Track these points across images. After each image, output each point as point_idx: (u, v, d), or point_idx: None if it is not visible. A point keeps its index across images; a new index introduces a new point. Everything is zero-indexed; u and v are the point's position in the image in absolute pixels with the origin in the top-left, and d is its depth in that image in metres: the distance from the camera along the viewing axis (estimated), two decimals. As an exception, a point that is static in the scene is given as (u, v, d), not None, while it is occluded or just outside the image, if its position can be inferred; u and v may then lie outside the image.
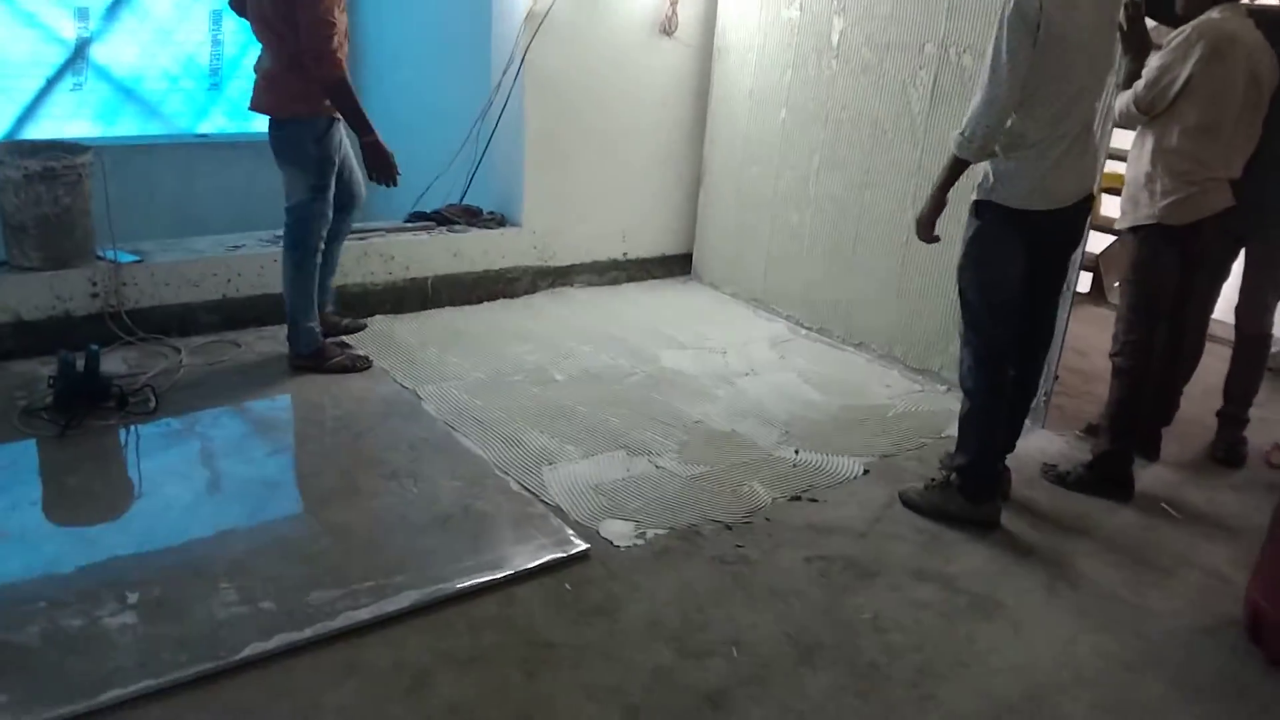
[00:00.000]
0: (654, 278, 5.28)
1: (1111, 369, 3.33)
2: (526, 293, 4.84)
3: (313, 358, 3.73)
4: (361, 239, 4.30)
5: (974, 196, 2.90)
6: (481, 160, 4.72)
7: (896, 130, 4.13)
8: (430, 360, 3.95)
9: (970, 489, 2.99)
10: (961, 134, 2.78)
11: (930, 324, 4.09)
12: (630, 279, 5.19)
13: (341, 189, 3.71)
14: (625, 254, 5.14)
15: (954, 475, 3.04)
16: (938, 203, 2.94)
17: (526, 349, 4.15)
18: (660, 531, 2.83)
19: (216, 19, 6.53)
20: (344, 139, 3.64)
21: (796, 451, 3.40)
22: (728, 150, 4.98)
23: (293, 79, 3.42)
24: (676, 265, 5.34)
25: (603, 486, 3.06)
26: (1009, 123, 2.76)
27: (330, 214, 3.64)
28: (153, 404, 3.34)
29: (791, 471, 3.26)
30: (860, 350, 4.39)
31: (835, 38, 4.33)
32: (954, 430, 3.60)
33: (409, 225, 4.60)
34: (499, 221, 4.77)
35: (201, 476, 2.96)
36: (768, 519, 2.96)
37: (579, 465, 3.19)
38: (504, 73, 4.54)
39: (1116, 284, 5.27)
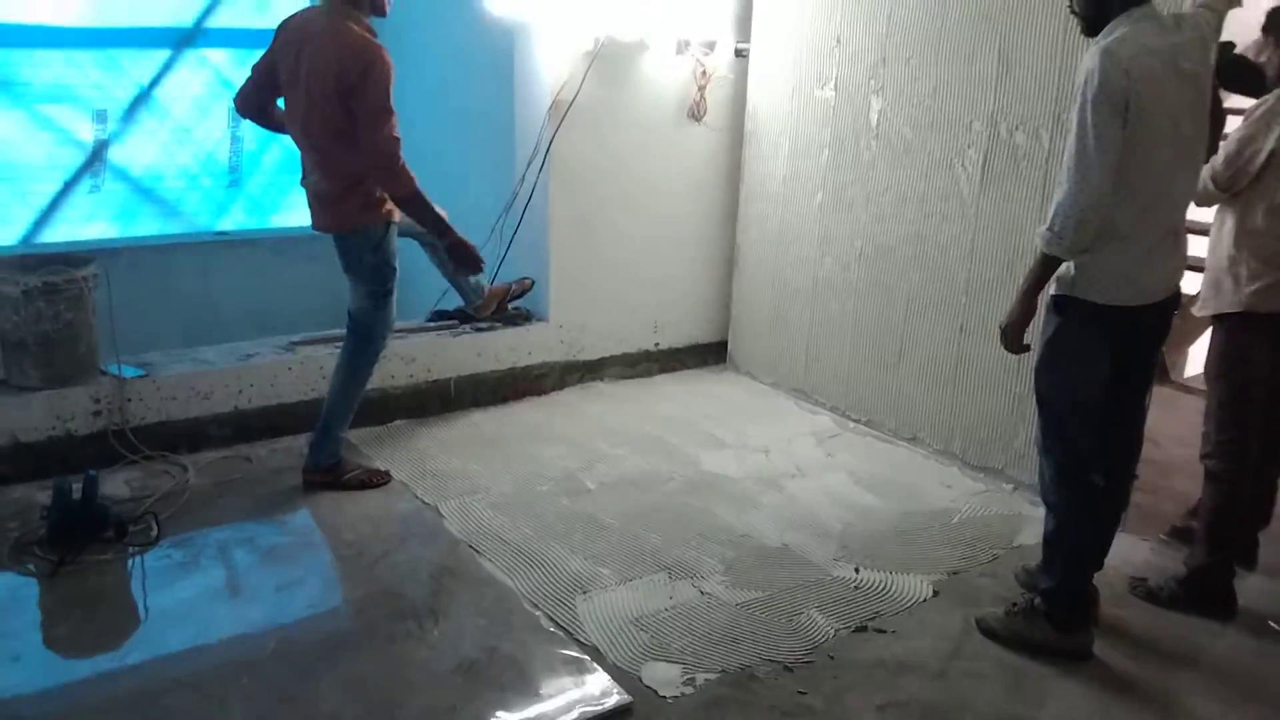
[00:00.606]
0: (687, 368, 5.02)
1: (1204, 473, 2.99)
2: (554, 389, 4.59)
3: (329, 472, 3.48)
4: (380, 341, 4.08)
5: (1052, 291, 2.62)
6: (506, 254, 4.51)
7: (945, 212, 3.87)
8: (452, 470, 3.68)
9: (1059, 616, 2.65)
10: (1049, 229, 2.47)
11: (991, 416, 3.79)
12: (663, 370, 4.93)
13: (419, 233, 3.67)
14: (657, 344, 4.90)
15: (1039, 600, 2.71)
16: (1027, 308, 2.62)
17: (556, 453, 3.88)
18: (711, 676, 2.51)
19: (236, 115, 6.45)
20: None
21: (857, 569, 3.08)
22: (761, 236, 4.75)
23: (350, 197, 3.26)
24: (710, 354, 5.08)
25: (644, 620, 2.75)
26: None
27: (394, 319, 3.50)
28: (155, 532, 3.09)
29: (853, 594, 2.94)
30: (914, 445, 4.08)
31: (874, 118, 4.12)
32: (1027, 538, 3.31)
33: (430, 325, 4.38)
34: (524, 316, 4.54)
35: (202, 620, 2.67)
36: (831, 656, 2.63)
37: (616, 593, 2.89)
38: (529, 164, 4.35)
39: (1193, 344, 4.95)
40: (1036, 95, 3.51)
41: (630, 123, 4.49)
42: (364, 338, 3.46)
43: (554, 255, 4.45)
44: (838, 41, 4.22)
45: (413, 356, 4.13)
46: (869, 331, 4.25)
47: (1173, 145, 2.45)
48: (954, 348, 3.90)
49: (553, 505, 3.44)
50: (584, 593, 2.88)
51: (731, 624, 2.76)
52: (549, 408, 4.40)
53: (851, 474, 3.80)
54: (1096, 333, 2.56)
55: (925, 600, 2.94)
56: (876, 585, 2.99)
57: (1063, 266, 2.58)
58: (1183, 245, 2.62)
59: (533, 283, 4.45)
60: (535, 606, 2.79)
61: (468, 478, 3.63)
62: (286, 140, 3.48)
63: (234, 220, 6.48)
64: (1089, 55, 2.39)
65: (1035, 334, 2.73)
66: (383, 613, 2.73)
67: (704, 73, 4.55)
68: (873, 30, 4.07)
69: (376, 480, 3.52)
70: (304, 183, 3.38)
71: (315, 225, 3.41)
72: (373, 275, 3.37)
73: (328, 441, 3.48)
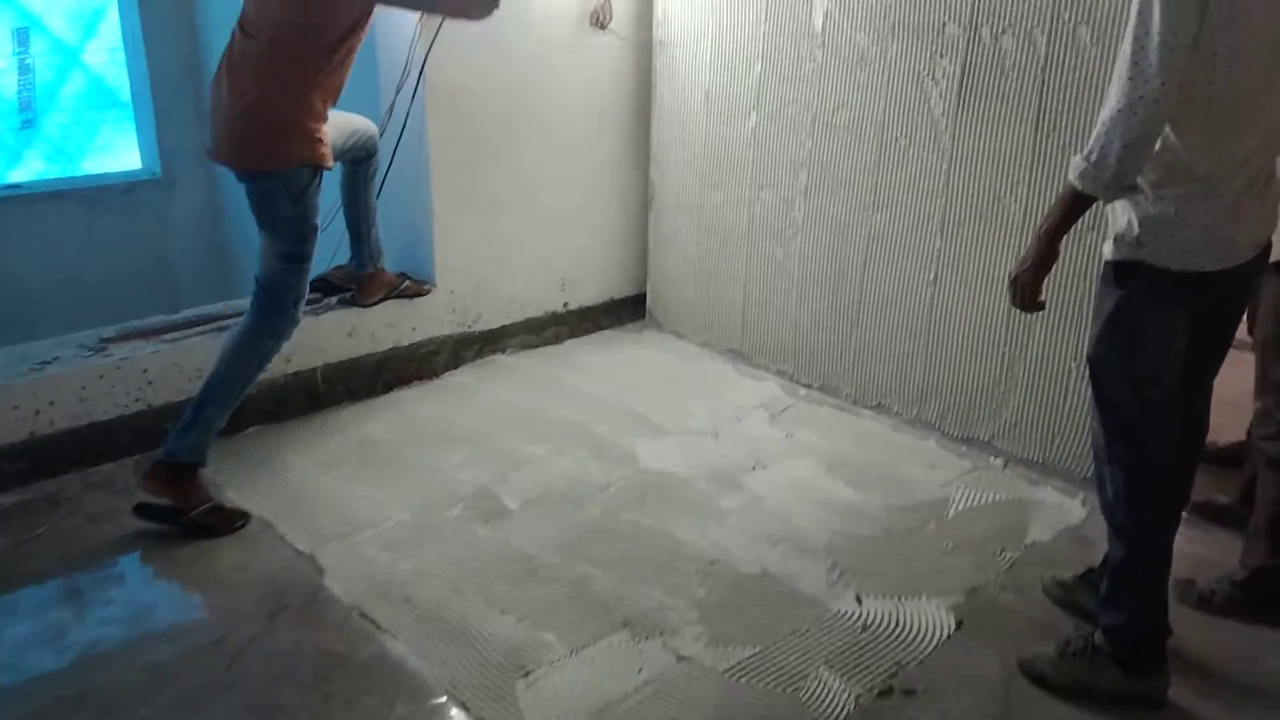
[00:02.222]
0: (602, 329, 4.29)
1: (1262, 458, 2.48)
2: (448, 369, 3.80)
3: (177, 482, 2.68)
4: (223, 330, 3.20)
5: (1110, 256, 2.02)
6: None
7: (913, 137, 3.22)
8: (330, 496, 2.90)
9: (1131, 659, 2.12)
10: (1086, 156, 1.89)
11: (973, 381, 3.23)
12: (574, 334, 4.20)
13: (347, 152, 3.18)
14: (566, 304, 4.15)
15: (1100, 636, 2.17)
16: (1045, 253, 2.04)
17: (460, 459, 3.13)
18: (715, 796, 1.88)
19: (22, 39, 5.23)
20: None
21: (859, 599, 2.48)
22: (682, 169, 4.02)
23: (286, 128, 2.70)
24: (626, 311, 4.37)
25: (611, 711, 2.08)
26: (1159, 143, 1.89)
27: (307, 289, 2.89)
28: (-82, 639, 2.23)
29: (862, 638, 2.34)
30: (880, 414, 3.50)
31: (818, 20, 3.40)
32: (1039, 533, 2.81)
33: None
34: (420, 291, 3.69)
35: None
36: (861, 741, 2.04)
37: (567, 670, 2.21)
38: (397, 92, 3.47)
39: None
40: (1030, -10, 2.87)
41: (521, 33, 3.64)
42: (272, 308, 2.81)
43: (437, 204, 3.62)
44: (771, -71, 3.47)
45: (267, 346, 3.26)
46: (819, 281, 3.61)
47: (1272, 51, 1.85)
48: (926, 300, 3.30)
49: (466, 537, 2.71)
50: (525, 674, 2.19)
51: (725, 704, 2.12)
52: (443, 395, 3.62)
53: (819, 459, 3.19)
54: (1171, 307, 1.98)
55: (949, 636, 2.37)
56: (887, 621, 2.40)
57: (1123, 223, 1.98)
58: (1275, 187, 2.04)
59: (429, 290, 3.68)
60: (464, 707, 2.09)
61: (351, 506, 2.85)
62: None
63: (30, 170, 5.32)
64: None
65: (1052, 291, 2.13)
66: (252, 745, 1.98)
67: (607, -30, 3.74)
68: (816, -87, 3.33)
69: (223, 525, 2.70)
70: (222, 105, 2.73)
71: (226, 158, 2.78)
72: (290, 230, 2.78)
73: (194, 429, 2.70)
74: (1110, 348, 2.04)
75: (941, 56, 3.11)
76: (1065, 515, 2.89)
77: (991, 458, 3.20)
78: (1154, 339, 2.00)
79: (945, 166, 3.16)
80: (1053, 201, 2.09)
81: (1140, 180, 1.93)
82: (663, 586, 2.51)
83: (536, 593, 2.47)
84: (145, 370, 3.04)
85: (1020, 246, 2.93)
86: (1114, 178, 1.88)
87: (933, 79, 3.14)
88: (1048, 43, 2.85)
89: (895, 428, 3.43)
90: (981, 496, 2.99)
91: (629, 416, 3.45)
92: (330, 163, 2.83)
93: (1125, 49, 1.83)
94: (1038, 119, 2.91)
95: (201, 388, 2.76)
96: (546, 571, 2.56)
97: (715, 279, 3.99)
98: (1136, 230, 1.95)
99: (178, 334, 3.18)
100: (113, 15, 5.22)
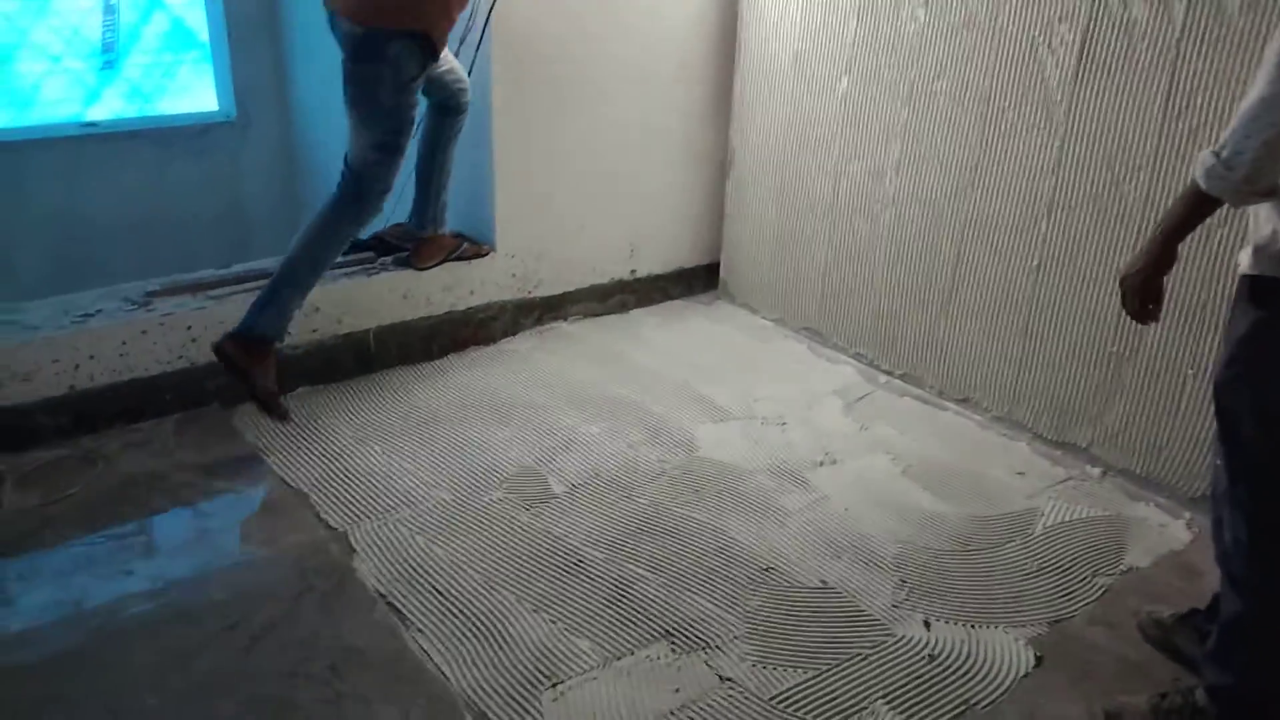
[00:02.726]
0: (671, 298, 4.07)
1: None
2: (506, 335, 3.63)
3: (253, 351, 2.81)
4: (272, 287, 3.08)
5: (1247, 269, 1.72)
6: (436, 162, 3.47)
7: (1021, 110, 2.90)
8: (370, 468, 2.76)
9: (1239, 726, 1.85)
10: (1217, 153, 1.63)
11: (1074, 381, 2.92)
12: (640, 303, 3.98)
13: (441, 89, 3.09)
14: (633, 271, 3.93)
15: (1202, 695, 1.89)
16: (1160, 255, 1.83)
17: (508, 435, 2.97)
18: None
19: (108, -23, 5.17)
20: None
21: (927, 624, 2.24)
22: (764, 133, 3.74)
23: None
24: (698, 281, 4.13)
25: (642, 735, 1.91)
26: None
27: (394, 183, 2.90)
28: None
29: (928, 670, 2.11)
30: (967, 409, 3.22)
31: (922, -24, 3.09)
32: (1138, 557, 2.53)
33: (338, 260, 3.36)
34: (480, 251, 3.52)
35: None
36: (919, 796, 1.82)
37: (600, 684, 2.03)
38: (461, 42, 3.27)
39: None
40: (1170, -56, 2.51)
41: (596, -17, 3.41)
42: (359, 195, 2.86)
43: (499, 161, 3.42)
44: None
45: (315, 305, 3.12)
46: (908, 261, 3.32)
47: None
48: (1027, 289, 2.99)
49: (506, 525, 2.54)
50: (554, 685, 2.02)
51: (769, 738, 1.92)
52: (498, 363, 3.45)
53: (895, 457, 2.93)
54: None
55: (1026, 674, 2.12)
56: (958, 652, 2.16)
57: (1266, 232, 1.69)
58: None
59: (489, 252, 3.51)
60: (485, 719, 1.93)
61: (391, 480, 2.71)
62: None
63: (108, 109, 5.29)
64: None
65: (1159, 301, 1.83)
66: (257, 746, 1.85)
67: (693, -85, 3.45)
68: None
69: (274, 413, 2.93)
70: None
71: (349, 10, 2.70)
72: (386, 117, 2.80)
73: (271, 307, 2.79)
74: (1240, 375, 1.75)
75: (1060, 22, 2.76)
76: (1168, 538, 2.59)
77: (1088, 466, 2.91)
78: (1295, 366, 1.70)
79: (1057, 144, 2.83)
80: (1178, 193, 1.82)
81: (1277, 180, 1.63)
82: (711, 594, 2.31)
83: (574, 594, 2.29)
84: (189, 327, 2.93)
85: (1139, 237, 2.62)
86: (1245, 180, 1.61)
87: (1048, 46, 2.80)
88: (1187, 10, 2.49)
89: (982, 425, 3.14)
90: (1074, 510, 2.70)
91: (691, 397, 3.23)
92: (441, 51, 2.81)
93: (1275, 42, 1.54)
94: (1168, 97, 2.57)
95: (279, 268, 2.81)
96: (587, 571, 2.38)
97: (794, 252, 3.72)
98: (1281, 244, 1.66)
99: (225, 289, 3.07)
100: (193, -47, 5.13)
